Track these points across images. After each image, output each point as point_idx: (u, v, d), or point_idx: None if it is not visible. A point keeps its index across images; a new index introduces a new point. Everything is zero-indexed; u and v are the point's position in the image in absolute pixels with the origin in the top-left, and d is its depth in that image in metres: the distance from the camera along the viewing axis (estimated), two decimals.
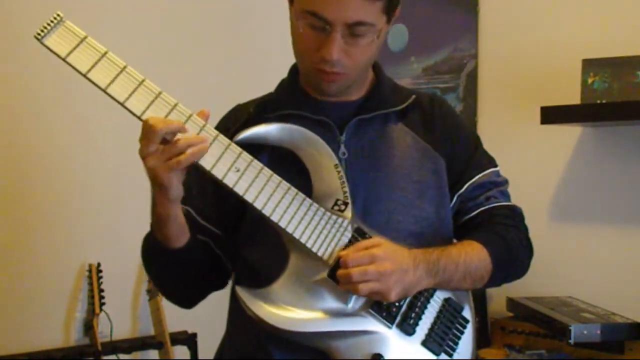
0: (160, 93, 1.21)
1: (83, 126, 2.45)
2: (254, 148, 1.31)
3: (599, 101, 2.25)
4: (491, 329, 2.44)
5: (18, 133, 2.34)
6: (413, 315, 1.36)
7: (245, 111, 1.47)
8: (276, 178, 1.29)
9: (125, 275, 2.58)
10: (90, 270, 2.43)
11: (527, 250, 1.51)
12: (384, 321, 1.34)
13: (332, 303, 1.31)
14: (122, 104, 1.19)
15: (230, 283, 1.50)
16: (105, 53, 1.19)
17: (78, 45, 1.17)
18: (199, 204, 1.42)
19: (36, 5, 2.23)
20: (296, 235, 1.30)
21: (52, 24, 1.16)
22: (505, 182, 1.53)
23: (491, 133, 2.61)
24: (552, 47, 2.51)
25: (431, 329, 1.38)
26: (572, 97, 2.31)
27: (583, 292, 2.41)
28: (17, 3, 2.29)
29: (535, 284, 2.41)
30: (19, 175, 2.36)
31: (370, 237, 1.33)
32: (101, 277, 2.43)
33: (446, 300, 1.41)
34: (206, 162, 1.23)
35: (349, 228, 1.33)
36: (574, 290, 2.44)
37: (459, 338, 1.41)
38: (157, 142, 1.18)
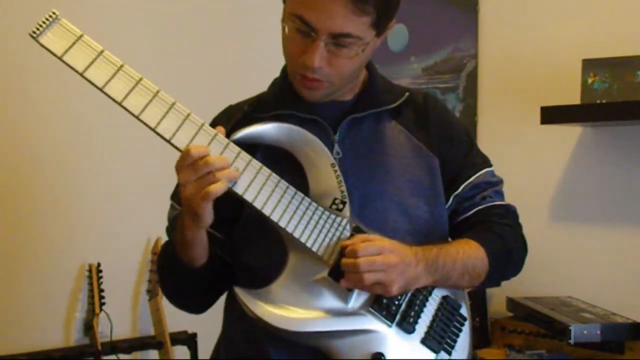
0: (158, 92, 1.21)
1: (83, 126, 2.45)
2: (248, 147, 1.30)
3: (599, 101, 2.25)
4: (491, 329, 2.44)
5: (18, 133, 2.34)
6: (412, 313, 1.36)
7: (239, 111, 1.46)
8: (275, 177, 1.28)
9: (125, 275, 2.58)
10: (90, 270, 2.43)
11: (522, 248, 1.52)
12: (384, 320, 1.34)
13: (332, 302, 1.31)
14: (119, 104, 1.19)
15: None
16: (102, 52, 1.18)
17: (74, 43, 1.16)
18: None
19: (33, 3, 2.22)
20: (296, 234, 1.29)
21: (47, 22, 1.15)
22: (499, 181, 1.53)
23: (491, 133, 2.61)
24: (552, 47, 2.51)
25: (430, 327, 1.38)
26: (572, 97, 2.31)
27: (583, 292, 2.40)
28: (15, 2, 2.28)
29: (535, 284, 2.42)
30: (19, 176, 2.35)
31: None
32: (101, 277, 2.43)
33: (444, 298, 1.42)
34: None
35: (348, 227, 1.33)
36: (574, 290, 2.43)
37: (457, 336, 1.41)
38: (199, 173, 1.19)
